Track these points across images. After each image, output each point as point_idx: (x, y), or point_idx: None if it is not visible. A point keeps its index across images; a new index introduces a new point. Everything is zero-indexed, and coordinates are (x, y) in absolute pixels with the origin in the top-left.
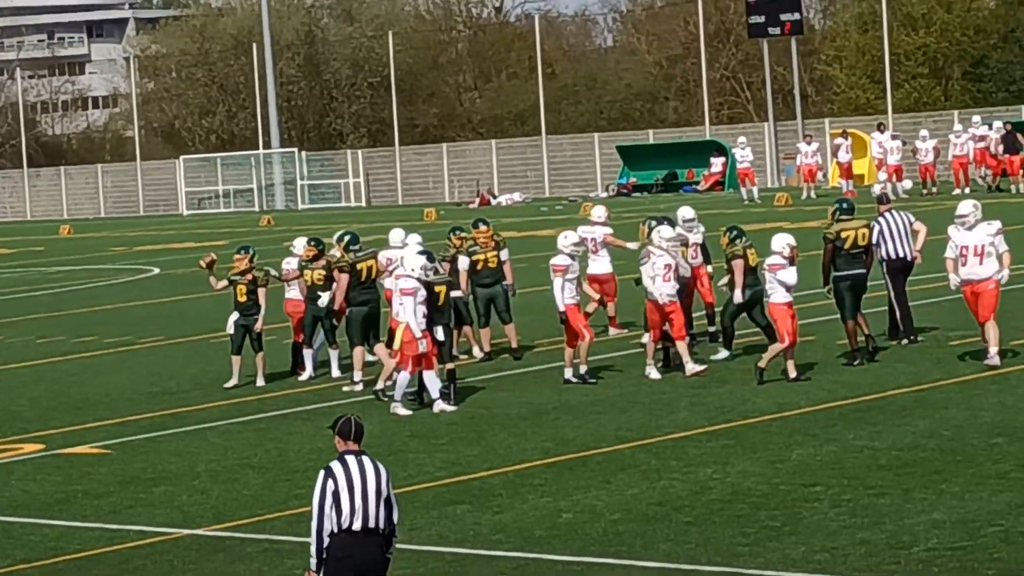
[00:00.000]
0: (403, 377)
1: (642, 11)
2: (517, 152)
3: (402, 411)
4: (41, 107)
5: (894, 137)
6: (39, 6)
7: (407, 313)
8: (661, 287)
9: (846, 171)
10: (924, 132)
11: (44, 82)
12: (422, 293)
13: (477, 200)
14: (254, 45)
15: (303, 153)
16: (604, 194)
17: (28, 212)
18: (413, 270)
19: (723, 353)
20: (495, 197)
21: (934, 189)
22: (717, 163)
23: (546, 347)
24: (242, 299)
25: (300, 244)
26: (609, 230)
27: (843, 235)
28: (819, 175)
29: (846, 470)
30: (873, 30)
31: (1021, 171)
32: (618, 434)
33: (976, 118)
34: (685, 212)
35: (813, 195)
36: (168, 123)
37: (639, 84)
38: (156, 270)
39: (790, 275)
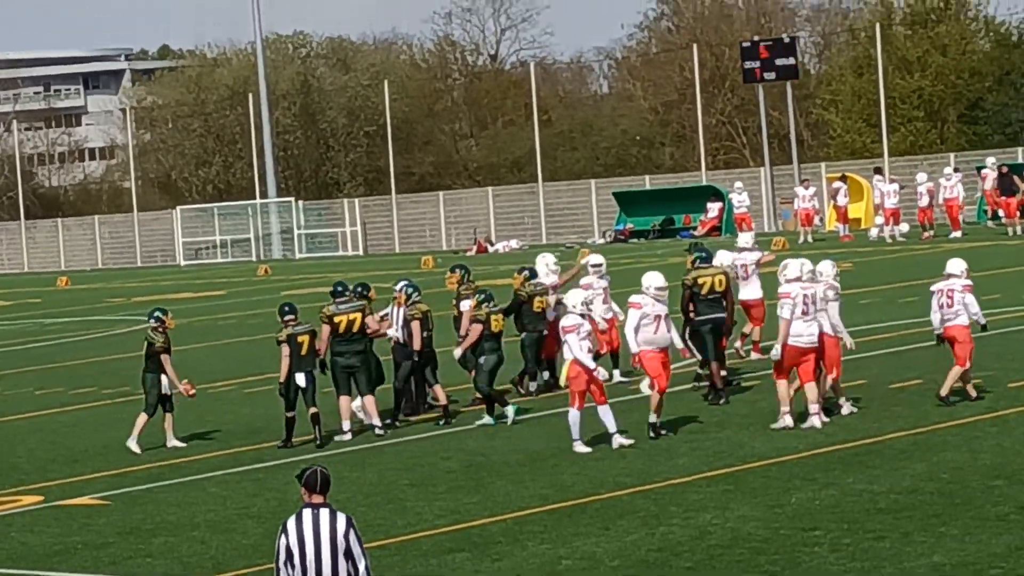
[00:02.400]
0: (573, 415)
1: (637, 57)
2: (514, 199)
3: (582, 448)
4: (38, 159)
5: (891, 181)
6: (35, 58)
7: (572, 349)
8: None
9: (843, 215)
10: (921, 175)
11: (40, 134)
12: (584, 328)
13: (474, 247)
14: (250, 95)
15: (300, 202)
16: (601, 240)
17: (26, 264)
18: (574, 306)
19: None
20: (492, 244)
21: (931, 232)
22: (714, 208)
23: (543, 394)
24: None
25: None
26: (760, 254)
27: (700, 282)
28: (816, 219)
29: (845, 514)
30: (868, 74)
31: (1018, 213)
32: (617, 480)
33: (990, 160)
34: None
35: (810, 239)
36: (165, 174)
37: (635, 130)
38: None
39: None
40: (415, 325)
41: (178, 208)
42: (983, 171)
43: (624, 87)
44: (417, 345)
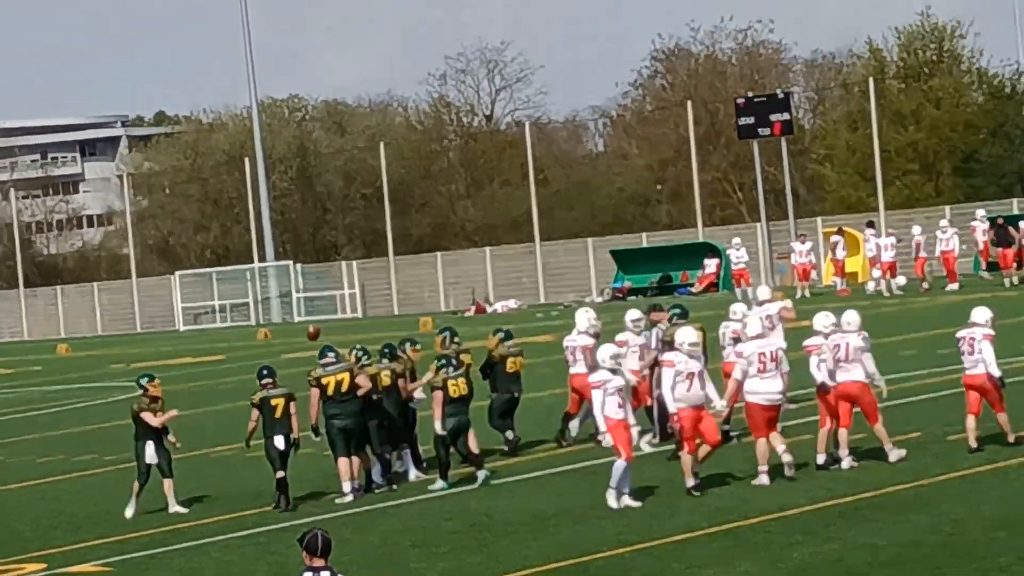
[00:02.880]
0: (618, 465)
1: (632, 116)
2: (511, 259)
3: (612, 501)
4: (36, 227)
5: (888, 234)
6: (32, 126)
7: (595, 406)
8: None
9: (840, 269)
10: (916, 228)
11: (38, 202)
12: (612, 384)
13: (473, 308)
14: (246, 159)
15: (298, 265)
16: (599, 299)
17: (26, 332)
18: (603, 361)
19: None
20: (491, 304)
21: (926, 285)
22: (711, 264)
23: (544, 453)
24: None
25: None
26: (783, 303)
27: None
28: (813, 274)
29: (848, 568)
30: (863, 128)
31: (1014, 264)
32: (619, 538)
33: (980, 212)
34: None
35: (807, 294)
36: (163, 239)
37: (631, 188)
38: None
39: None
40: (361, 378)
41: (176, 273)
42: (972, 223)
43: (620, 145)
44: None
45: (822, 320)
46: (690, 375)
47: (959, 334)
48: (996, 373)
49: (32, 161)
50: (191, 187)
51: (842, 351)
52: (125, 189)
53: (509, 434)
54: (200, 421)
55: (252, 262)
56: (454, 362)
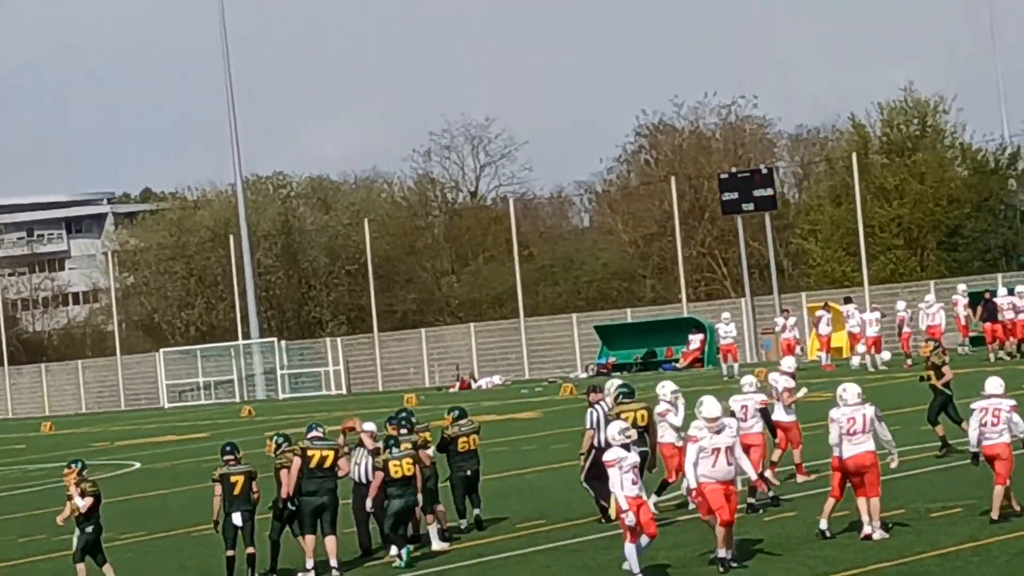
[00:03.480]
0: (627, 548)
1: (617, 191)
2: (496, 335)
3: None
4: (21, 304)
5: (873, 309)
6: (17, 204)
7: (612, 484)
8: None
9: (826, 344)
10: (900, 304)
11: (24, 279)
12: (628, 461)
13: (457, 384)
14: (231, 236)
15: (282, 342)
16: (584, 374)
17: (10, 410)
18: (614, 438)
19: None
20: (475, 380)
21: (909, 361)
22: (695, 340)
23: (526, 530)
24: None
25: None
26: (794, 383)
27: (623, 416)
28: (798, 349)
29: None
30: (847, 203)
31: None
32: None
33: (961, 287)
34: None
35: None
36: (148, 316)
37: (616, 263)
38: (137, 464)
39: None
40: (283, 474)
41: (161, 351)
42: (955, 298)
43: (604, 221)
44: (285, 493)
45: (712, 408)
46: (715, 450)
47: (976, 405)
48: None
49: (18, 239)
50: (176, 264)
51: (858, 423)
52: (110, 266)
53: (476, 512)
54: (182, 500)
55: (237, 339)
56: (397, 443)
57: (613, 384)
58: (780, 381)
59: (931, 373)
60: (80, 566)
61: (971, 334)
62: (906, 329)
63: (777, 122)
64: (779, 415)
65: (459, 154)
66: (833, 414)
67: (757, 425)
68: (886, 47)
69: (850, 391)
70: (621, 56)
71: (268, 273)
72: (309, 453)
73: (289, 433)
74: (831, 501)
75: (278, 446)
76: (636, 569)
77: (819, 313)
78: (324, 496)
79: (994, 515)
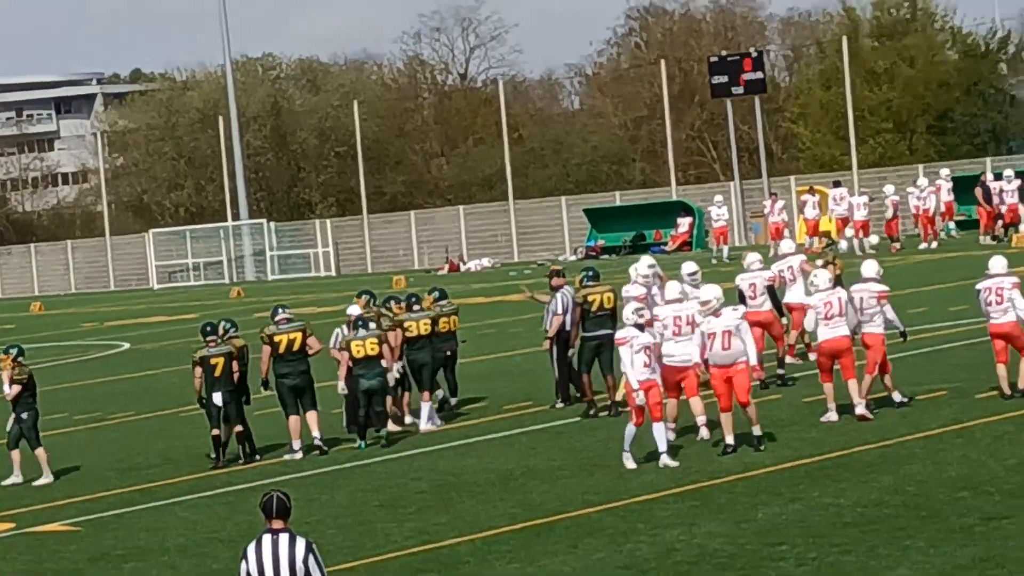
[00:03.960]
0: (629, 429)
1: (607, 74)
2: (485, 217)
3: (630, 463)
4: (11, 184)
5: (861, 193)
6: (6, 84)
7: (623, 363)
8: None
9: (812, 228)
10: (888, 188)
11: (13, 159)
12: (639, 341)
13: (446, 266)
14: (220, 118)
15: (272, 224)
16: (572, 257)
17: (0, 290)
18: (628, 317)
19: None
20: (464, 263)
21: (898, 244)
22: (684, 223)
23: (512, 412)
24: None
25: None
26: (802, 257)
27: (589, 299)
28: (786, 232)
29: (811, 528)
30: (836, 87)
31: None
32: (585, 498)
33: (944, 171)
34: (688, 267)
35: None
36: (137, 197)
37: (605, 146)
38: (126, 345)
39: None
40: (196, 370)
41: (150, 232)
42: (938, 183)
43: (594, 104)
44: (263, 373)
45: (673, 290)
46: (712, 335)
47: (980, 285)
48: None
49: (7, 119)
50: (165, 145)
51: (681, 322)
52: (99, 147)
53: (439, 393)
54: (172, 380)
55: (226, 220)
56: (363, 324)
57: (645, 261)
58: (792, 261)
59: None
60: (14, 453)
61: (958, 218)
62: (891, 213)
63: (768, 5)
64: (793, 296)
65: (449, 36)
66: (810, 300)
67: (767, 303)
68: None
69: (821, 277)
70: None
71: (257, 155)
72: (276, 338)
73: (193, 320)
74: (826, 387)
75: (225, 331)
76: (663, 447)
77: (804, 197)
78: (297, 378)
79: (1021, 385)
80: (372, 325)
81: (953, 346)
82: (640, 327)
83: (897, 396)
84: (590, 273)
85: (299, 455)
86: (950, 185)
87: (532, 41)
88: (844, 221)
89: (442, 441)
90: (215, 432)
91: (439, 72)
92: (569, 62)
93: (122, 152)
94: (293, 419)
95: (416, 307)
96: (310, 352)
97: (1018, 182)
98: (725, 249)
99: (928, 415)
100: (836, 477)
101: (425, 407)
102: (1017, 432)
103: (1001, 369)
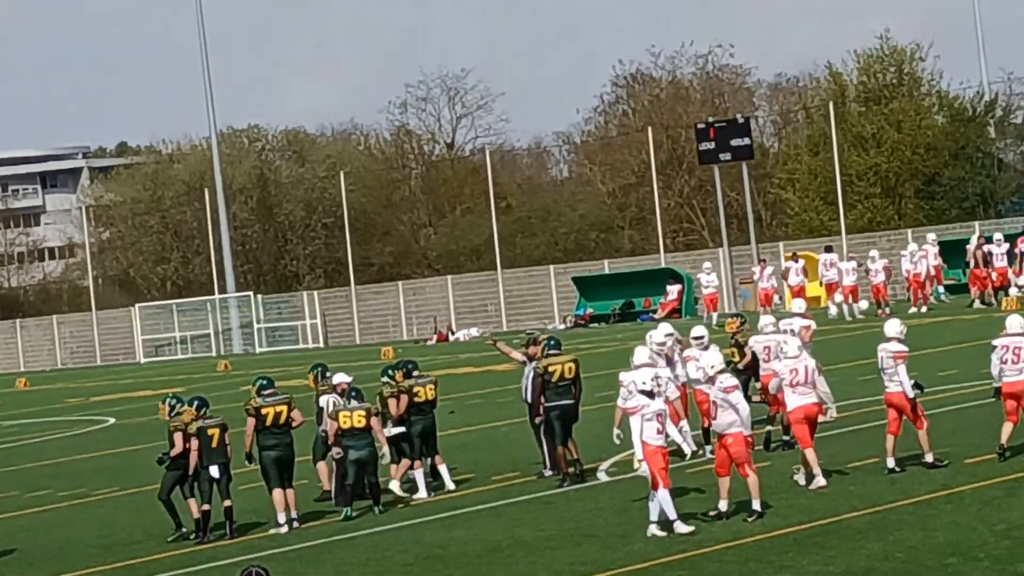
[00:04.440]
0: (662, 494)
1: (595, 142)
2: (473, 287)
3: (683, 528)
4: None
5: (849, 258)
6: None
7: (632, 431)
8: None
9: (797, 294)
10: (873, 252)
11: None
12: (651, 409)
13: (435, 337)
14: (206, 190)
15: (259, 296)
16: (562, 326)
17: None
18: (641, 383)
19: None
20: (453, 333)
21: (887, 309)
22: (673, 291)
23: (499, 482)
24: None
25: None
26: (811, 321)
27: (550, 369)
28: (775, 298)
29: None
30: (824, 152)
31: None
32: (572, 568)
33: (931, 236)
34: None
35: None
36: (123, 271)
37: (594, 214)
38: (112, 420)
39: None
40: (178, 437)
41: (137, 306)
42: (924, 247)
43: (583, 171)
44: (176, 453)
45: (641, 355)
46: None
47: (997, 342)
48: None
49: None
50: (151, 218)
51: (800, 375)
52: (84, 221)
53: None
54: (156, 455)
55: (213, 293)
56: (353, 396)
57: (662, 330)
58: (795, 322)
59: (734, 351)
60: None
61: (948, 282)
62: (881, 277)
63: (755, 71)
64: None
65: (435, 106)
66: (776, 366)
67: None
68: None
69: (791, 344)
70: (597, 5)
71: (244, 227)
72: (264, 411)
73: (181, 394)
74: (808, 453)
75: (171, 408)
76: (654, 516)
77: (787, 264)
78: (283, 451)
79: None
80: (331, 399)
81: (943, 411)
82: (650, 394)
83: (891, 462)
84: (551, 343)
85: (284, 528)
86: (936, 249)
87: (519, 110)
88: (834, 286)
89: (429, 513)
90: (205, 507)
91: (426, 142)
92: (557, 130)
93: (108, 226)
94: (277, 492)
95: (415, 372)
96: (294, 425)
97: (1007, 245)
98: (715, 316)
99: (917, 481)
100: (825, 544)
101: (419, 474)
102: (1006, 497)
103: (1007, 427)
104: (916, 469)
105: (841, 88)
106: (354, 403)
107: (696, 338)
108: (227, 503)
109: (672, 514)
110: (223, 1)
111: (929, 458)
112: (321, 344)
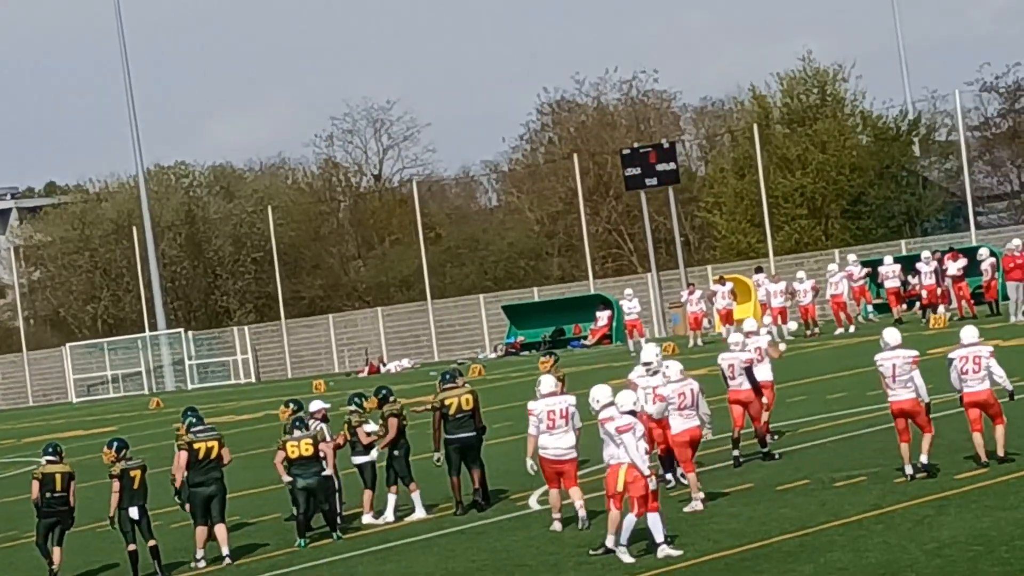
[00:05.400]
0: (628, 520)
1: (522, 170)
2: (404, 318)
3: (627, 557)
4: None
5: (777, 280)
6: None
7: (629, 451)
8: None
9: (725, 317)
10: (801, 274)
11: None
12: (640, 428)
13: (366, 369)
14: (135, 228)
15: (190, 333)
16: (493, 355)
17: None
18: (623, 406)
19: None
20: (384, 364)
21: (816, 330)
22: (603, 317)
23: (433, 514)
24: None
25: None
26: (769, 338)
27: (447, 402)
28: (705, 322)
29: None
30: (750, 174)
31: (904, 304)
32: None
33: (852, 256)
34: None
35: (700, 342)
36: (54, 311)
37: (522, 243)
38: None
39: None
40: (116, 484)
41: (68, 345)
42: (848, 268)
43: (511, 200)
44: (178, 481)
45: (548, 384)
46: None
47: (954, 354)
48: (1009, 387)
49: None
50: (80, 257)
51: (555, 416)
52: (13, 262)
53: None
54: (89, 495)
55: (144, 331)
56: (297, 425)
57: (649, 351)
58: (759, 341)
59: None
60: None
61: (876, 301)
62: (808, 298)
63: (680, 95)
64: (760, 375)
65: (362, 138)
66: (663, 391)
67: (745, 383)
68: (789, 19)
69: (673, 368)
70: (521, 34)
71: (173, 264)
72: (196, 445)
73: (114, 433)
74: (691, 477)
75: (119, 452)
76: (659, 538)
77: (713, 287)
78: (212, 485)
79: (1000, 453)
80: (318, 425)
81: (872, 431)
82: (634, 414)
83: (925, 459)
84: (447, 376)
85: (203, 564)
86: (861, 270)
87: (446, 139)
88: (763, 307)
89: (361, 547)
90: (132, 548)
91: (353, 174)
92: (485, 159)
93: (38, 266)
94: (201, 529)
95: (391, 398)
96: (224, 462)
97: (935, 264)
98: (641, 341)
99: (848, 501)
100: (756, 568)
101: (417, 496)
102: (937, 515)
103: (977, 438)
104: (845, 489)
105: (765, 111)
106: (298, 432)
107: (645, 364)
108: (152, 543)
109: (659, 537)
110: (147, 39)
111: (924, 459)
112: (253, 379)
